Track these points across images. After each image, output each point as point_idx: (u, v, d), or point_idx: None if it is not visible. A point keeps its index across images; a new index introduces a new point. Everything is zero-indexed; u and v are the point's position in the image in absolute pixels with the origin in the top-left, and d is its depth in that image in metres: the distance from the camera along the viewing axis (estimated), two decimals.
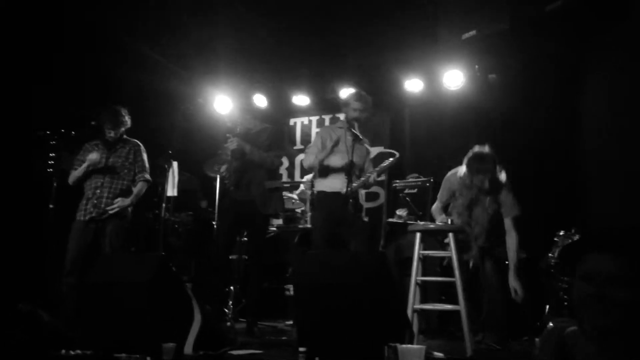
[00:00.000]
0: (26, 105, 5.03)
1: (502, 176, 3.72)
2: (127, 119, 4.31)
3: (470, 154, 3.72)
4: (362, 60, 5.76)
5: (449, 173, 3.93)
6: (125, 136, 4.35)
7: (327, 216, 3.94)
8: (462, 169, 3.76)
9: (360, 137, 3.97)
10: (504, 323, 3.63)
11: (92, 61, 5.20)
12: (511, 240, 3.68)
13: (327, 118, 6.55)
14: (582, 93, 4.82)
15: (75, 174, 4.19)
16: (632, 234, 1.45)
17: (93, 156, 4.13)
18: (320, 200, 4.01)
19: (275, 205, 4.44)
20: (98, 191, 4.13)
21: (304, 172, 6.49)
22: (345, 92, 5.59)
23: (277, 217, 5.41)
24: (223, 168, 4.24)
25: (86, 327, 3.04)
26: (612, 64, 4.36)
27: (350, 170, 3.84)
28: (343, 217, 3.88)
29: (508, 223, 3.72)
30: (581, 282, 1.44)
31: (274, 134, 4.45)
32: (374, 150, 5.98)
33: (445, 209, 3.96)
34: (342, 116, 4.78)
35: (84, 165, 4.15)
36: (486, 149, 3.71)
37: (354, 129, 4.00)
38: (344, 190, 3.79)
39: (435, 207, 4.00)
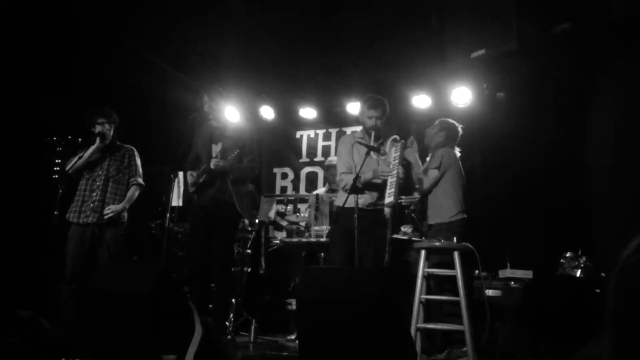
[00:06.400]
0: (35, 112, 5.06)
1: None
2: (116, 116, 4.33)
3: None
4: (369, 74, 5.77)
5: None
6: (118, 142, 4.36)
7: (346, 231, 3.76)
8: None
9: (374, 146, 3.80)
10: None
11: (100, 70, 5.24)
12: None
13: (333, 131, 6.55)
14: (589, 113, 4.82)
15: (79, 163, 4.15)
16: None
17: (93, 146, 4.14)
18: (339, 215, 3.87)
19: (249, 209, 4.28)
20: (94, 194, 4.12)
21: (309, 184, 6.49)
22: (355, 105, 5.60)
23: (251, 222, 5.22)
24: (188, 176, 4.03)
25: (86, 335, 3.01)
26: (620, 85, 4.37)
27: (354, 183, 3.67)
28: (359, 231, 3.69)
29: None
30: None
31: (249, 138, 4.20)
32: None
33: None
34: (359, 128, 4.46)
35: (91, 149, 4.14)
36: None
37: (370, 138, 3.84)
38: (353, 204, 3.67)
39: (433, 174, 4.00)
